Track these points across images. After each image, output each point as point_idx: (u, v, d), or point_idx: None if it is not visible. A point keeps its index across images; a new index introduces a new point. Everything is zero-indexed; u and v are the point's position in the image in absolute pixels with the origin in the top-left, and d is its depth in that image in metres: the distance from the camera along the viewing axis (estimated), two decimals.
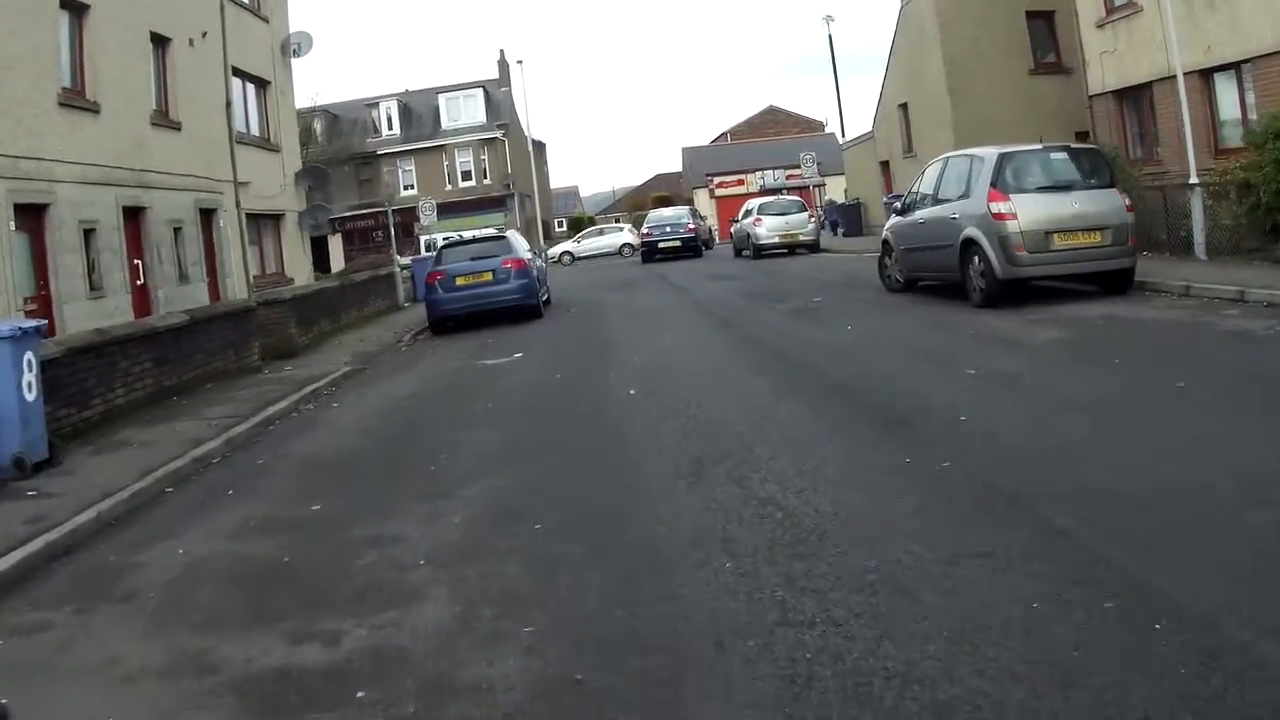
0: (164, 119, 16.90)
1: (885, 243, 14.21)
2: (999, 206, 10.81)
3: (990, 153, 11.30)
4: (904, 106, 28.60)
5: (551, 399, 9.16)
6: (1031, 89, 24.13)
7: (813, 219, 27.79)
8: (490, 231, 19.50)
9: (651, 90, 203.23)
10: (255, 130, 21.39)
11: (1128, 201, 11.24)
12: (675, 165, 69.22)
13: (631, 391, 8.72)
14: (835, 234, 35.35)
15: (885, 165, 31.73)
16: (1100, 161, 11.42)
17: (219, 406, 10.11)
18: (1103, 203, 10.95)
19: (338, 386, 11.56)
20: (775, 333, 11.58)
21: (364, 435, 8.49)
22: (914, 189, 13.27)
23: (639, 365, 10.23)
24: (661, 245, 31.65)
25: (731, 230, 31.62)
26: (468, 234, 23.73)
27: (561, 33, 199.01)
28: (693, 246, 31.83)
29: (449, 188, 51.50)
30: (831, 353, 9.70)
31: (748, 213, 29.19)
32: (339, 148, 50.59)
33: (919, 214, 12.80)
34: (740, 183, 57.43)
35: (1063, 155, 11.32)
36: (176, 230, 16.64)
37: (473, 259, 16.77)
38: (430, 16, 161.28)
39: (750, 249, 27.86)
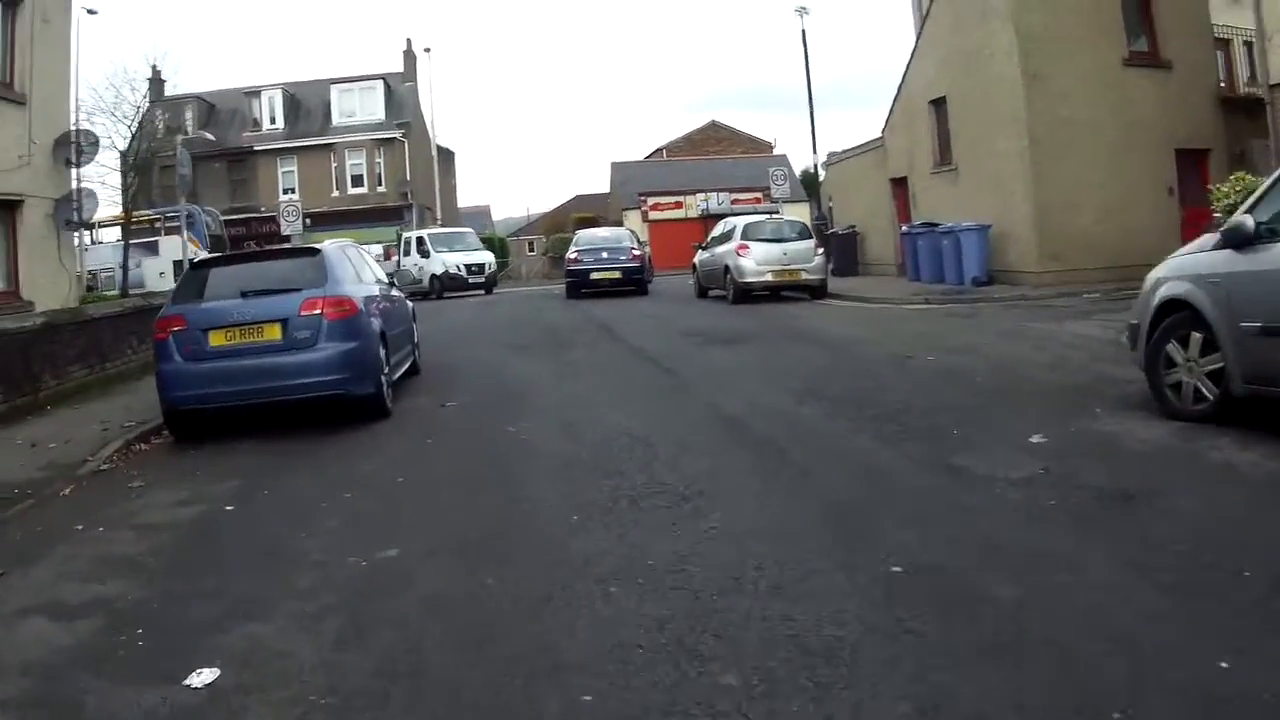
0: None
1: (1171, 310, 6.64)
2: None
3: None
4: (939, 103, 21.62)
5: None
6: (1123, 85, 17.66)
7: (820, 250, 20.22)
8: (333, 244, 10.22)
9: (575, 111, 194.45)
10: None
11: None
12: (600, 186, 61.58)
13: None
14: None
15: (900, 183, 24.56)
16: None
17: None
18: None
19: None
20: None
21: None
22: None
23: None
24: (595, 275, 23.94)
25: (696, 260, 23.35)
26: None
27: (476, 38, 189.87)
28: (636, 279, 24.10)
29: (336, 193, 43.50)
30: None
31: (721, 237, 21.26)
32: (213, 142, 42.54)
33: None
34: (678, 205, 50.20)
35: None
36: None
37: (245, 295, 8.44)
38: (326, 7, 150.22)
39: (728, 289, 19.86)
